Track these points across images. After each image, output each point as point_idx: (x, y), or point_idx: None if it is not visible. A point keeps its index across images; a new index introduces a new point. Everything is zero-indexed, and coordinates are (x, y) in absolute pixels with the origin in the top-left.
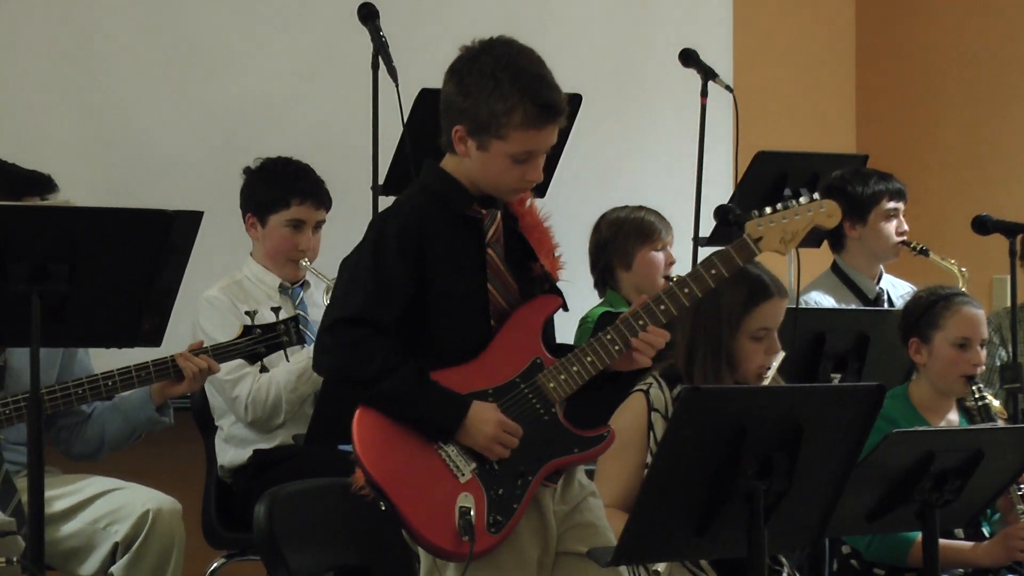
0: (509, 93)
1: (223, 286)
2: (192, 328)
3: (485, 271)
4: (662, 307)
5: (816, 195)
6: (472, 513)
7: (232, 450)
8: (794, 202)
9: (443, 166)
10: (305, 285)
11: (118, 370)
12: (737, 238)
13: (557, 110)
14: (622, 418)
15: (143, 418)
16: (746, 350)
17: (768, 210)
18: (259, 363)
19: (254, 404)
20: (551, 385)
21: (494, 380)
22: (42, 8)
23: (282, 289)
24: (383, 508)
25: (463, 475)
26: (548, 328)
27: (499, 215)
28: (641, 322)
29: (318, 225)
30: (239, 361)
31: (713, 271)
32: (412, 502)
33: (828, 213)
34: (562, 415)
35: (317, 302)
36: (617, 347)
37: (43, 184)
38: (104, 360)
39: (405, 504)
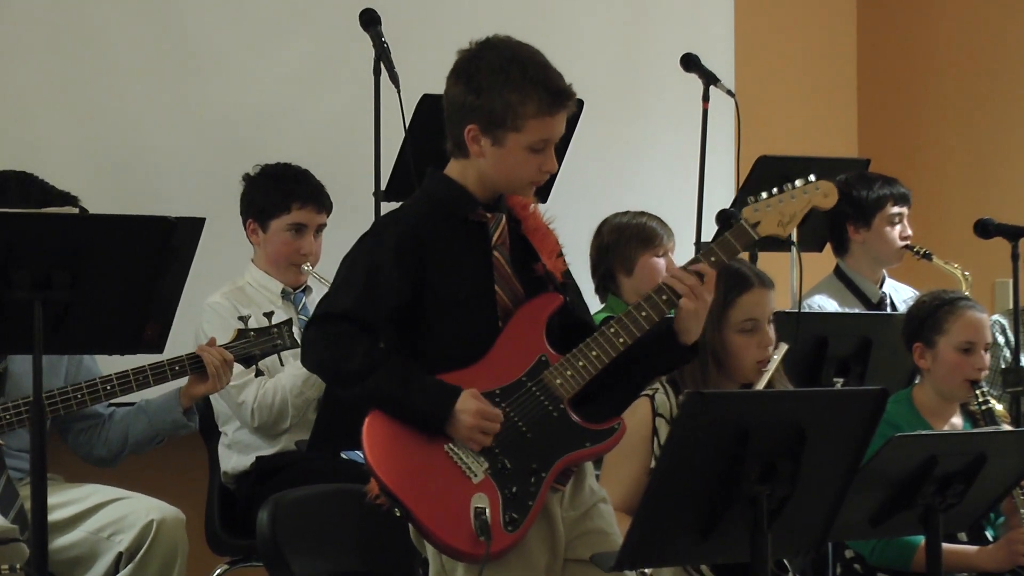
0: (521, 83)
1: (225, 292)
2: (195, 334)
3: (492, 274)
4: (664, 297)
5: (812, 176)
6: (487, 513)
7: (235, 456)
8: (790, 185)
9: (447, 172)
10: (307, 290)
11: (116, 374)
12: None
13: (568, 94)
14: (627, 422)
15: (168, 421)
16: (736, 344)
17: (764, 195)
18: (256, 367)
19: (260, 408)
20: (558, 382)
21: (500, 380)
22: (43, 14)
23: (284, 294)
24: (398, 514)
25: (476, 476)
26: (576, 323)
27: (504, 219)
28: (644, 313)
29: (319, 229)
30: (242, 368)
31: (712, 258)
32: (427, 506)
33: (824, 193)
34: (571, 411)
35: None
36: (621, 340)
37: (67, 203)
38: (115, 367)
39: (420, 509)
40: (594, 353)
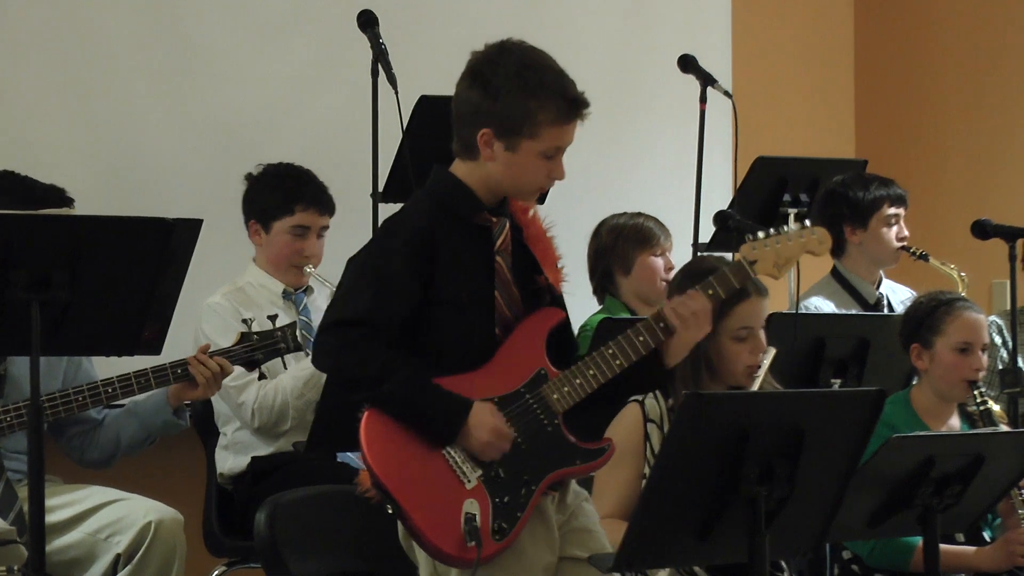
0: (539, 90)
1: (226, 292)
2: (195, 334)
3: (493, 279)
4: (661, 325)
5: (807, 222)
6: (477, 519)
7: (232, 457)
8: (786, 228)
9: (453, 171)
10: (308, 291)
11: (118, 377)
12: (734, 255)
13: (584, 103)
14: (618, 429)
15: (159, 422)
16: (730, 351)
17: (761, 234)
18: (258, 370)
19: (260, 410)
20: (555, 396)
21: (499, 390)
22: (42, 15)
23: (285, 295)
24: (389, 511)
25: (469, 481)
26: (564, 338)
27: (507, 224)
28: (641, 339)
29: (322, 231)
30: (244, 368)
31: (710, 291)
32: (419, 505)
33: (820, 240)
34: (565, 427)
35: (320, 308)
36: (618, 361)
37: (57, 198)
38: (110, 369)
39: (412, 507)
40: (591, 372)
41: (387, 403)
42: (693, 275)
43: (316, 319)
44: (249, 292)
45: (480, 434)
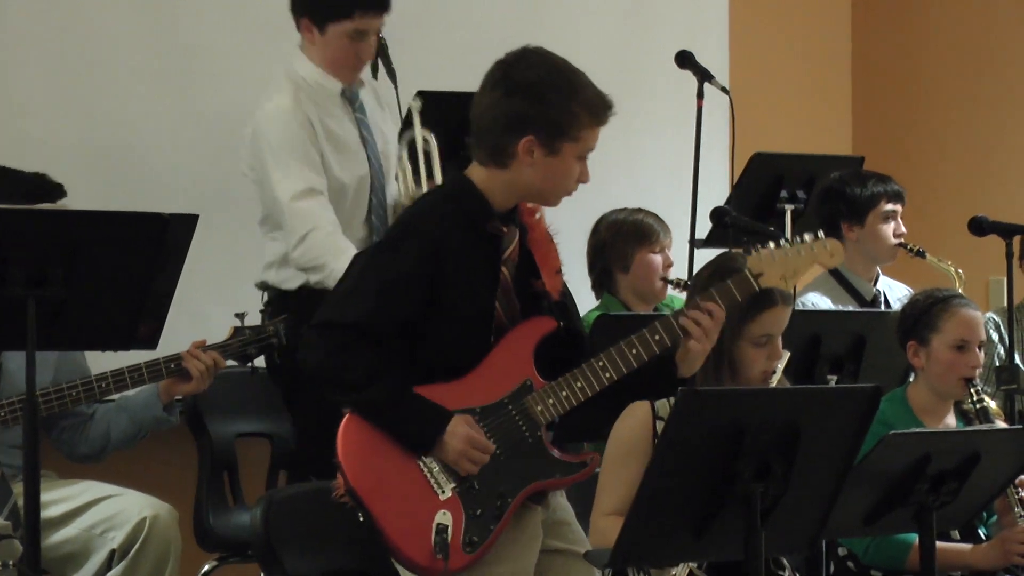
0: (579, 94)
1: (290, 91)
2: (251, 137)
3: (495, 290)
4: (656, 337)
5: (820, 233)
6: (449, 531)
7: (277, 271)
8: (798, 239)
9: (469, 176)
10: (360, 84)
11: (111, 372)
12: (736, 267)
13: (612, 103)
14: (626, 426)
15: (150, 417)
16: (748, 355)
17: (772, 245)
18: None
19: (305, 253)
20: (538, 408)
21: (483, 400)
22: (42, 15)
23: (343, 95)
24: (361, 518)
25: (443, 492)
26: (564, 345)
27: (517, 233)
28: (634, 351)
29: (379, 29)
30: (318, 203)
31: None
32: (390, 515)
33: (831, 252)
34: (547, 439)
35: (371, 106)
36: (608, 374)
37: (52, 190)
38: (103, 362)
39: (383, 516)
40: (579, 384)
41: (367, 409)
42: (719, 274)
43: (369, 115)
44: (309, 94)
45: (455, 444)
